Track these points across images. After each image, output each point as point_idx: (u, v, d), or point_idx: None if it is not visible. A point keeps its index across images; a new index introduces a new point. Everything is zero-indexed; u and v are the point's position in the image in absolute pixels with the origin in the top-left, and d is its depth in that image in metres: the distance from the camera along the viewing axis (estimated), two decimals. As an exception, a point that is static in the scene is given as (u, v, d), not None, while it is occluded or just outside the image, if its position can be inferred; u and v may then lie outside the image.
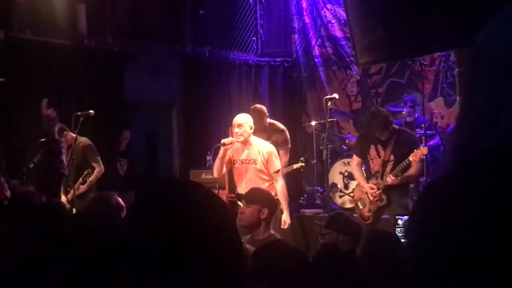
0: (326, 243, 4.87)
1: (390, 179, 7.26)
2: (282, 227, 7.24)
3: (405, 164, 7.21)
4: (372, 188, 7.45)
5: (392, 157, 7.32)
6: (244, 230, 5.48)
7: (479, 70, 1.25)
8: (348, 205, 9.59)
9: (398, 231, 5.34)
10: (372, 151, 7.50)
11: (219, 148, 7.36)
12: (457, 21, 6.95)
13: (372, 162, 7.56)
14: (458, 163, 1.25)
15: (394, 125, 7.54)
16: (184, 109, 11.54)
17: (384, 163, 7.40)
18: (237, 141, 7.28)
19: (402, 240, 5.20)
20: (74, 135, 8.57)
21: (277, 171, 7.33)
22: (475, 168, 1.18)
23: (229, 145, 7.27)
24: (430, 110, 10.53)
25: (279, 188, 7.29)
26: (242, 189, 7.30)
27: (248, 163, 7.34)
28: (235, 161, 7.40)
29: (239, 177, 7.46)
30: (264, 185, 7.25)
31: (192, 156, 11.20)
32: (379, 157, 7.44)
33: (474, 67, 1.27)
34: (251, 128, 7.27)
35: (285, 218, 7.25)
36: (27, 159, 8.62)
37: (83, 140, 8.77)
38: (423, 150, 7.22)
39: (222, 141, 7.30)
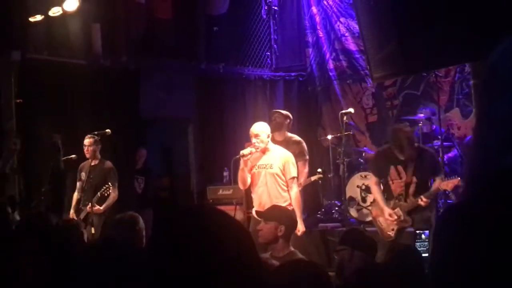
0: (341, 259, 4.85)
1: (423, 201, 7.05)
2: (296, 233, 7.28)
3: (434, 191, 7.15)
4: (391, 216, 7.25)
5: (414, 179, 7.15)
6: (264, 247, 5.51)
7: (494, 89, 1.24)
8: (366, 219, 9.54)
9: (418, 246, 5.31)
10: (392, 171, 7.31)
11: (238, 160, 7.43)
12: (471, 34, 6.93)
13: (392, 184, 7.35)
14: (477, 185, 1.24)
15: (415, 144, 7.39)
16: (200, 125, 11.56)
17: (407, 185, 7.21)
18: (256, 151, 7.34)
19: (424, 255, 5.18)
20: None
21: (292, 178, 7.40)
22: (493, 191, 1.18)
23: (249, 156, 7.32)
24: (447, 121, 10.49)
25: (293, 196, 7.37)
26: (257, 194, 7.44)
27: (265, 168, 7.41)
28: (252, 167, 7.46)
29: (255, 182, 7.49)
30: (282, 192, 7.36)
31: (209, 172, 11.21)
32: (400, 178, 7.26)
33: (489, 86, 1.26)
34: (268, 136, 7.38)
35: (299, 226, 7.27)
36: (44, 180, 8.66)
37: (108, 163, 8.87)
38: (455, 181, 7.05)
39: (241, 152, 7.37)
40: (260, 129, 7.41)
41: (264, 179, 7.41)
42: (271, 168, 7.39)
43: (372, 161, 8.16)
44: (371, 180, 7.78)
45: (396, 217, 7.19)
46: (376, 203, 7.73)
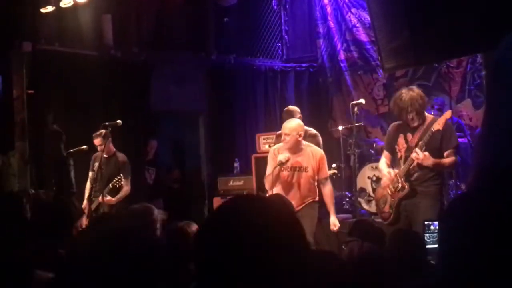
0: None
1: (415, 154, 6.36)
2: (332, 229, 7.33)
3: (429, 136, 6.41)
4: (390, 174, 6.69)
5: (421, 143, 6.47)
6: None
7: (501, 88, 1.24)
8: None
9: (427, 237, 5.28)
10: (400, 140, 6.74)
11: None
12: (482, 24, 6.88)
13: (400, 152, 6.74)
14: (482, 180, 1.24)
15: (428, 114, 6.82)
16: (211, 117, 11.57)
17: (409, 149, 6.59)
18: (287, 152, 7.15)
19: (431, 246, 5.16)
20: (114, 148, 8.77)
21: (326, 177, 7.35)
22: (499, 185, 1.18)
23: (286, 163, 7.14)
24: (458, 112, 10.46)
25: (328, 193, 7.32)
26: (290, 191, 7.19)
27: (299, 170, 7.21)
28: (283, 168, 7.19)
29: (288, 184, 7.25)
30: (311, 191, 7.27)
31: (219, 163, 11.23)
32: (407, 144, 6.65)
33: (495, 84, 1.26)
34: (300, 136, 7.16)
35: (334, 221, 7.31)
36: (55, 170, 8.71)
37: (122, 155, 8.88)
38: (446, 115, 6.53)
39: (279, 160, 7.11)
40: (292, 128, 7.18)
41: (298, 180, 7.22)
42: (306, 171, 7.20)
43: (386, 136, 7.45)
44: (383, 153, 7.19)
45: (393, 176, 6.66)
46: (380, 183, 7.31)
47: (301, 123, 7.37)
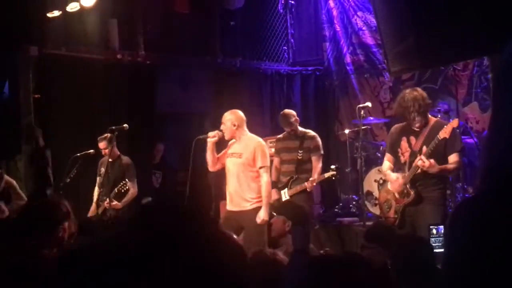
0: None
1: (421, 161, 6.24)
2: (257, 222, 7.19)
3: (435, 143, 6.31)
4: (398, 179, 6.57)
5: (424, 148, 6.38)
6: (277, 242, 5.55)
7: (506, 90, 1.23)
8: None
9: (433, 241, 5.24)
10: (403, 143, 6.62)
11: (200, 140, 7.47)
12: (488, 27, 6.86)
13: (403, 156, 6.62)
14: (489, 182, 1.24)
15: (430, 116, 6.73)
16: (217, 120, 11.54)
17: (413, 154, 6.48)
18: (220, 136, 7.44)
19: (437, 250, 5.12)
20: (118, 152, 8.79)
21: (262, 167, 7.35)
22: (505, 187, 1.17)
23: (213, 138, 7.40)
24: (465, 115, 10.42)
25: (263, 184, 7.31)
26: (228, 183, 7.46)
27: (234, 156, 7.43)
28: (226, 155, 7.54)
29: (227, 171, 7.52)
30: (251, 183, 7.34)
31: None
32: (411, 148, 6.55)
33: (500, 87, 1.25)
34: (234, 125, 7.41)
35: (261, 214, 7.16)
36: (63, 174, 8.71)
37: (126, 158, 8.92)
38: (453, 123, 6.39)
39: (208, 133, 7.47)
40: (227, 117, 7.50)
41: (234, 168, 7.42)
42: (239, 158, 7.38)
43: (388, 135, 7.31)
44: (384, 161, 7.04)
45: (401, 180, 6.54)
46: (383, 186, 7.26)
47: (239, 114, 7.60)
